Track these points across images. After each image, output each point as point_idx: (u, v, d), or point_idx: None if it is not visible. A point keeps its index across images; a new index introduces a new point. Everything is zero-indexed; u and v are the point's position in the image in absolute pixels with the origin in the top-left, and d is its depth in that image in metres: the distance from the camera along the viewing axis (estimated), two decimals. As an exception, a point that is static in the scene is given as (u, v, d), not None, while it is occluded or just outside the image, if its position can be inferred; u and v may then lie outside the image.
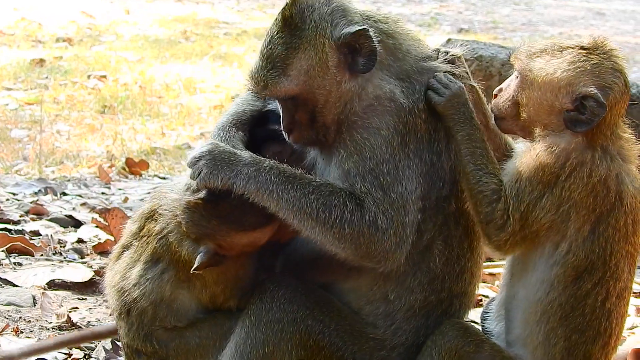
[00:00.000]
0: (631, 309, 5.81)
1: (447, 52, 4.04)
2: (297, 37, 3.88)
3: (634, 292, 6.19)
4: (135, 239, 4.17)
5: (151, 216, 4.13)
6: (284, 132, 4.01)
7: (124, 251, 4.23)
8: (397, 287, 3.91)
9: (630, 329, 5.58)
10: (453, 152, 3.91)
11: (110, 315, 4.45)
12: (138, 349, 4.14)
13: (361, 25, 3.88)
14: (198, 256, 3.84)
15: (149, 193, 5.88)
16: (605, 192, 3.71)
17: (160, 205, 4.10)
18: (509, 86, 3.90)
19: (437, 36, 18.16)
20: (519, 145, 3.99)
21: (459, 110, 3.87)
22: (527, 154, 3.79)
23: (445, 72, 3.96)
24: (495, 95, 3.95)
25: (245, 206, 3.79)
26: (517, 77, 3.86)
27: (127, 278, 4.13)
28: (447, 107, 3.88)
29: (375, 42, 3.86)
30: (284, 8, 3.92)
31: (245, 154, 3.86)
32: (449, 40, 7.75)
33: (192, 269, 3.84)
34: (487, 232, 3.79)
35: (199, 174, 3.81)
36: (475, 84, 4.07)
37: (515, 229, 3.74)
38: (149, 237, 4.10)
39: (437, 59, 4.02)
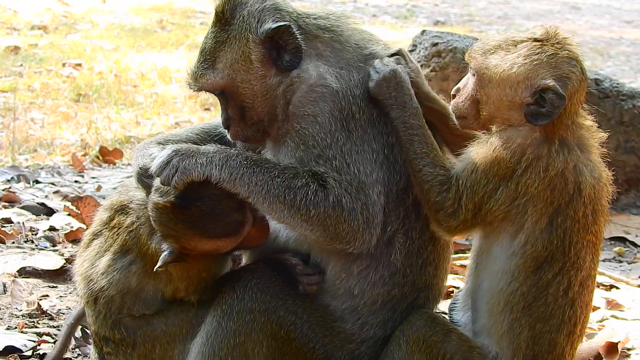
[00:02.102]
0: (601, 302, 5.86)
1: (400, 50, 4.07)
2: (226, 31, 3.97)
3: (604, 285, 6.25)
4: (106, 228, 4.18)
5: (122, 209, 4.13)
6: (224, 129, 4.09)
7: (93, 239, 4.24)
8: (360, 282, 3.92)
9: (600, 321, 5.62)
10: None
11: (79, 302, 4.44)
12: (106, 336, 4.15)
13: (285, 22, 3.92)
14: (162, 255, 3.84)
15: (122, 182, 5.85)
16: (563, 185, 3.72)
17: (132, 200, 4.10)
18: (466, 85, 3.89)
19: (413, 28, 18.18)
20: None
21: (389, 94, 3.88)
22: (484, 146, 3.78)
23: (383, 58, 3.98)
24: (454, 95, 3.94)
25: (214, 214, 3.79)
26: (474, 75, 3.85)
27: (96, 266, 4.14)
28: (376, 91, 3.89)
29: (299, 38, 3.92)
30: (217, 4, 4.01)
31: (209, 147, 3.87)
32: (423, 31, 7.79)
33: (156, 267, 3.85)
34: (437, 218, 3.80)
35: (175, 174, 3.77)
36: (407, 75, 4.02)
37: (466, 217, 3.75)
38: (119, 228, 4.11)
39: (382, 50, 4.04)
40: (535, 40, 3.76)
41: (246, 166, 3.79)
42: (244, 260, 4.21)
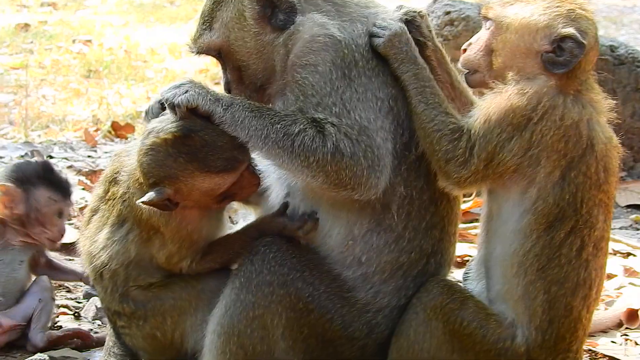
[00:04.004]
0: (619, 269, 5.85)
1: (410, 10, 4.04)
2: None
3: (621, 253, 6.25)
4: (102, 202, 4.19)
5: (114, 179, 4.13)
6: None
7: (93, 215, 4.24)
8: (366, 249, 3.90)
9: (618, 288, 5.62)
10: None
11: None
12: (117, 310, 4.16)
13: None
14: (150, 193, 3.81)
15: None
16: (577, 137, 3.69)
17: (121, 168, 4.10)
18: (480, 38, 3.88)
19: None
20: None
21: (400, 49, 3.87)
22: (498, 95, 3.75)
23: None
24: (465, 50, 3.92)
25: (215, 145, 3.80)
26: (490, 26, 3.84)
27: (96, 242, 4.15)
28: (387, 47, 3.88)
29: None
30: None
31: (219, 92, 3.91)
32: (435, 0, 7.75)
33: (139, 200, 3.82)
34: (447, 169, 3.75)
35: (182, 95, 3.80)
36: (438, 44, 4.07)
37: (478, 167, 3.72)
38: (114, 200, 4.11)
39: (395, 13, 4.03)
40: None
41: (248, 110, 3.80)
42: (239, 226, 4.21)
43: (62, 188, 5.04)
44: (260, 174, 4.04)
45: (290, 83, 3.90)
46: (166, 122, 3.85)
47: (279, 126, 3.77)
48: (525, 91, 3.71)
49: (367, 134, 3.77)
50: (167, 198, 3.83)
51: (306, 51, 3.88)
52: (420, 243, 3.94)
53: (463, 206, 6.92)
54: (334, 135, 3.74)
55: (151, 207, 3.85)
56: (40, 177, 4.96)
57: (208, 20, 4.03)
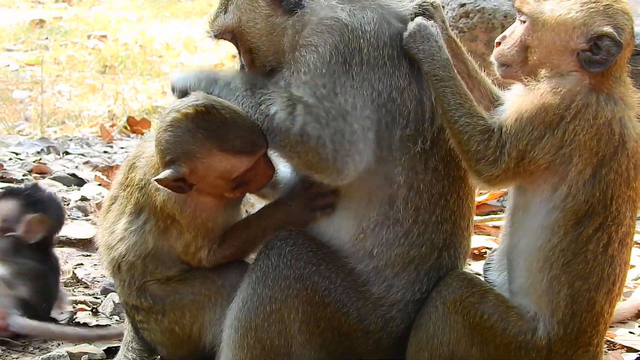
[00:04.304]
0: (637, 260, 5.82)
1: (424, 1, 4.01)
2: None
3: (637, 243, 6.21)
4: (121, 189, 4.16)
5: (132, 165, 4.12)
6: None
7: (112, 203, 4.21)
8: (377, 242, 3.89)
9: (636, 279, 5.59)
10: (422, 92, 3.89)
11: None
12: (135, 304, 4.15)
13: None
14: (165, 171, 3.81)
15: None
16: (609, 135, 3.67)
17: (141, 154, 4.09)
18: (514, 32, 3.84)
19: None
20: (510, 92, 3.93)
21: (417, 48, 3.83)
22: (530, 93, 3.73)
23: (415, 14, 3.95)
24: (498, 43, 3.87)
25: (235, 124, 3.81)
26: (525, 21, 3.79)
27: (114, 232, 4.12)
28: (406, 48, 3.86)
29: None
30: None
31: (224, 72, 4.05)
32: (450, -8, 7.71)
33: (154, 178, 3.83)
34: (477, 168, 3.73)
35: (184, 78, 4.02)
36: (452, 35, 4.05)
37: (509, 165, 3.69)
38: (132, 187, 4.08)
39: (409, 4, 4.01)
40: None
41: (242, 90, 3.88)
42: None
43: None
44: (275, 165, 4.03)
45: (289, 61, 3.92)
46: (186, 100, 3.88)
47: (263, 107, 3.82)
48: (559, 89, 3.68)
49: (344, 119, 3.75)
50: (181, 177, 3.82)
51: (312, 32, 3.88)
52: (431, 237, 3.92)
53: (479, 198, 6.94)
54: (302, 116, 3.74)
55: (165, 189, 3.85)
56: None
57: (224, 3, 4.09)
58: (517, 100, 3.75)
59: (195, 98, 3.86)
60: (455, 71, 3.83)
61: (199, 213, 3.96)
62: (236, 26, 4.06)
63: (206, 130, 3.80)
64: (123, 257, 4.08)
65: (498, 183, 3.76)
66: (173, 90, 4.04)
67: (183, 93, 3.97)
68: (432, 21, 3.94)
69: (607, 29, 3.64)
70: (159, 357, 4.26)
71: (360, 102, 3.79)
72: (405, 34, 3.86)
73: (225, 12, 4.08)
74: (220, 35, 4.14)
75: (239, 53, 4.15)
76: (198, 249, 4.00)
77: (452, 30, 4.11)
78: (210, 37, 4.18)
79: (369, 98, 3.81)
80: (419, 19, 3.89)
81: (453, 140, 3.79)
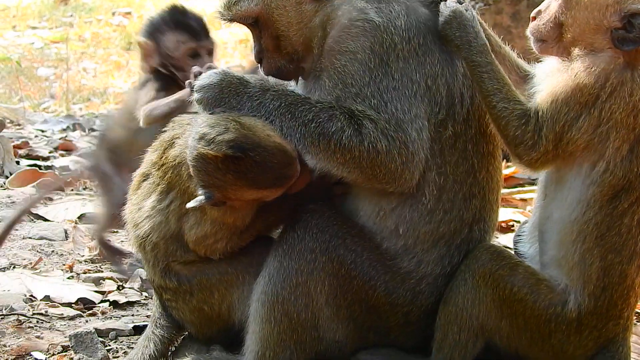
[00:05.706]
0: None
1: None
2: None
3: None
4: (155, 168, 4.09)
5: (171, 144, 4.04)
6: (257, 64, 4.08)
7: (143, 180, 4.15)
8: (399, 221, 3.88)
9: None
10: (451, 75, 3.87)
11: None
12: (161, 284, 4.13)
13: None
14: (199, 197, 3.76)
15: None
16: None
17: (182, 134, 4.01)
18: (549, 7, 3.81)
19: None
20: (540, 66, 3.93)
21: (454, 35, 3.81)
22: (564, 73, 3.71)
23: None
24: (534, 18, 3.86)
25: (266, 166, 3.69)
26: None
27: (141, 209, 4.08)
28: (443, 35, 3.84)
29: None
30: None
31: (254, 83, 3.84)
32: (476, -37, 7.62)
33: (188, 204, 3.78)
34: (518, 152, 3.74)
35: (202, 102, 3.81)
36: (474, 12, 3.99)
37: (548, 148, 3.69)
38: (166, 165, 4.01)
39: None
40: None
41: (278, 109, 3.76)
42: None
43: (189, 29, 5.08)
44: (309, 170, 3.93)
45: (328, 69, 3.86)
46: (218, 131, 3.71)
47: (313, 125, 3.72)
48: (592, 68, 3.65)
49: (403, 128, 3.73)
50: (216, 201, 3.79)
51: (345, 37, 3.84)
52: (460, 213, 3.92)
53: (507, 171, 6.90)
54: (371, 133, 3.71)
55: (198, 201, 3.77)
56: (167, 23, 5.03)
57: None
58: (551, 82, 3.73)
59: (224, 130, 3.70)
60: (493, 56, 3.81)
61: (230, 214, 3.92)
62: (262, 12, 3.98)
63: (236, 173, 3.69)
64: (147, 236, 4.04)
65: (540, 166, 3.76)
66: (198, 102, 3.85)
67: (209, 106, 3.80)
68: (465, 3, 3.92)
69: None
70: (186, 333, 4.27)
71: (407, 103, 3.76)
72: (441, 19, 3.83)
73: None
74: (240, 20, 4.03)
75: (258, 38, 4.05)
76: (217, 240, 3.97)
77: (477, 2, 4.05)
78: (224, 20, 4.06)
79: (412, 94, 3.79)
80: (453, 4, 3.86)
81: (493, 125, 3.79)
